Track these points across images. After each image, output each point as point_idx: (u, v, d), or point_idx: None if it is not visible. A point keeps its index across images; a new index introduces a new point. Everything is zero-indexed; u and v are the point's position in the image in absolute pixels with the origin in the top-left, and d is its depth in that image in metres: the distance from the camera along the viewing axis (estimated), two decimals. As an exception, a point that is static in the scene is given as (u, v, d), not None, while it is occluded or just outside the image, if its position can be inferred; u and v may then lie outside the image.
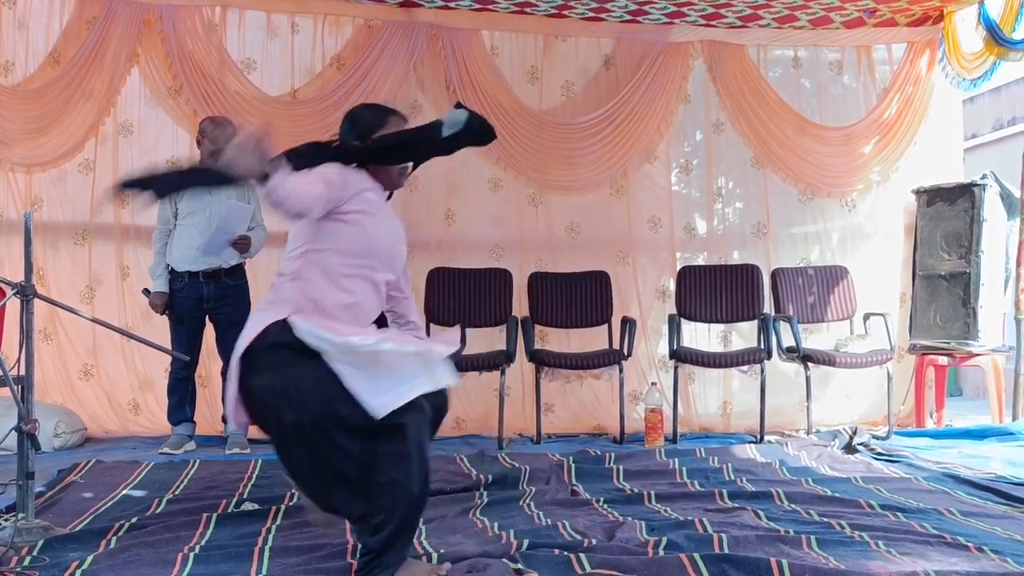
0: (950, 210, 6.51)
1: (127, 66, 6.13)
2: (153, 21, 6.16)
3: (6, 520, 3.54)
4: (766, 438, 5.95)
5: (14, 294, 3.51)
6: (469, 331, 6.35)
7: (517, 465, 4.78)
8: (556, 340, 6.55)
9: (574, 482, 4.38)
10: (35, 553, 3.11)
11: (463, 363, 5.92)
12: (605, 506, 3.85)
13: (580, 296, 6.46)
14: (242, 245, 5.34)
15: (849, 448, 5.42)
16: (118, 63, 6.08)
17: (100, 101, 6.07)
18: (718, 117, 6.91)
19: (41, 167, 6.06)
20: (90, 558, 3.02)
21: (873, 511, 3.74)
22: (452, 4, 6.45)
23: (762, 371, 6.01)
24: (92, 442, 5.76)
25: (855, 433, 5.76)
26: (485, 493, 4.16)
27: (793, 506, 3.83)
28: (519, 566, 2.93)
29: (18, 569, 2.97)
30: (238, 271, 5.56)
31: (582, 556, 2.98)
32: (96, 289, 6.14)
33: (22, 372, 3.49)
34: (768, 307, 6.49)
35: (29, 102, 6.00)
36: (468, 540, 3.33)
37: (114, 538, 3.31)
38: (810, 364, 6.07)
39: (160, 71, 6.13)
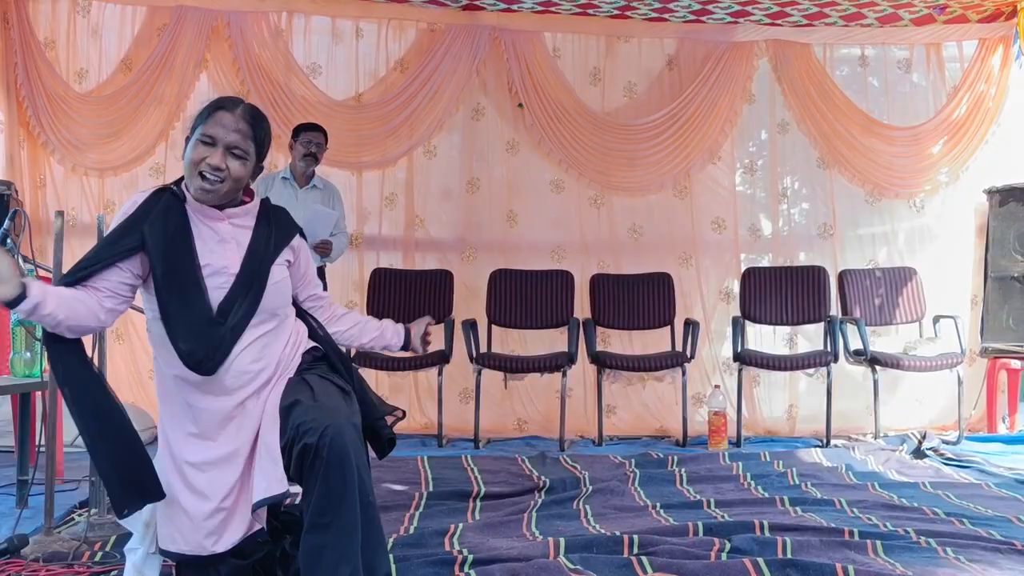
0: (1024, 210, 6.36)
1: (196, 72, 6.26)
2: (221, 27, 6.29)
3: (79, 516, 3.64)
4: (832, 442, 5.87)
5: (87, 295, 3.60)
6: (530, 332, 6.39)
7: (579, 467, 4.79)
8: (618, 342, 6.53)
9: (636, 486, 4.36)
10: (107, 548, 3.19)
11: (525, 364, 5.95)
12: (662, 511, 3.83)
13: (642, 298, 6.42)
14: (323, 249, 5.44)
15: (918, 453, 5.33)
16: (187, 69, 6.21)
17: (170, 106, 6.21)
18: (783, 117, 6.83)
19: (113, 171, 6.24)
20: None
21: (938, 517, 3.67)
22: (514, 6, 6.47)
23: (828, 374, 5.93)
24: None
25: (924, 438, 5.66)
26: (542, 496, 4.17)
27: (859, 511, 3.77)
28: (577, 567, 2.93)
29: (90, 564, 3.05)
30: (318, 273, 5.64)
31: (644, 559, 2.97)
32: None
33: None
34: (835, 309, 6.40)
35: (102, 108, 6.17)
36: (504, 542, 3.33)
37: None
38: (878, 367, 5.96)
39: (228, 76, 6.25)
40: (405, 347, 2.95)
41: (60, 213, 3.44)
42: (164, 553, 2.52)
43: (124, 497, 2.41)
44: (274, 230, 2.59)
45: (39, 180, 6.19)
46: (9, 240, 3.32)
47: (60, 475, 4.27)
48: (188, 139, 2.52)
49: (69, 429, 4.84)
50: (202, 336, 2.41)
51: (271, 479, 2.36)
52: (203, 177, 2.46)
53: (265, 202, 2.67)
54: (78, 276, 2.40)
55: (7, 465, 4.46)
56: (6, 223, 3.33)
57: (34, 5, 6.15)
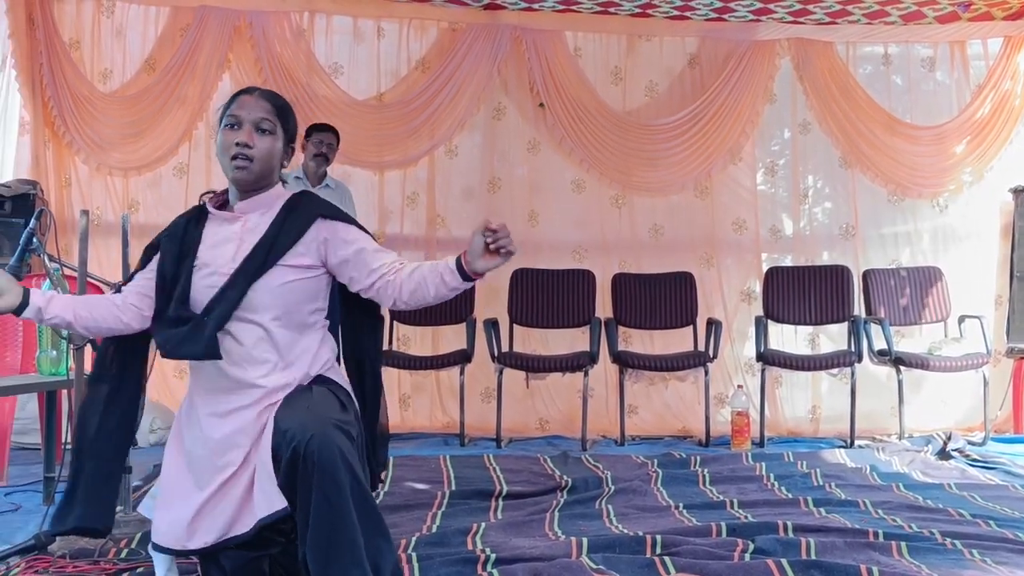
0: (1049, 209, 6.30)
1: (219, 72, 6.29)
2: (243, 28, 6.32)
3: (105, 513, 3.65)
4: (856, 443, 5.83)
5: (112, 294, 3.63)
6: (552, 332, 6.38)
7: (601, 467, 4.78)
8: (639, 342, 6.52)
9: (658, 486, 4.35)
10: (132, 545, 3.21)
11: (547, 364, 5.95)
12: (685, 511, 3.82)
13: (664, 297, 6.41)
14: None
15: (943, 454, 5.29)
16: (210, 69, 6.24)
17: (193, 106, 6.25)
18: (805, 117, 6.79)
19: (137, 171, 6.28)
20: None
21: (964, 518, 3.64)
22: (536, 5, 6.47)
23: (852, 374, 5.89)
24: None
25: (949, 438, 5.62)
26: (565, 495, 4.16)
27: (883, 512, 3.75)
28: (599, 567, 2.92)
29: (115, 560, 3.07)
30: None
31: (667, 560, 2.96)
32: (189, 290, 6.30)
33: (120, 370, 3.60)
34: (858, 309, 6.36)
35: (126, 108, 6.21)
36: (527, 541, 3.32)
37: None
38: (902, 367, 5.92)
39: (250, 76, 6.28)
40: (469, 277, 2.62)
41: (85, 212, 3.47)
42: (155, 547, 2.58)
43: (65, 511, 2.56)
44: (284, 229, 2.54)
45: (64, 180, 6.24)
46: (35, 239, 3.34)
47: (85, 473, 4.29)
48: (217, 135, 2.59)
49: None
50: (173, 328, 2.49)
51: (271, 496, 2.38)
52: (234, 157, 2.51)
53: (293, 198, 2.64)
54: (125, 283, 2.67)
55: (34, 462, 4.49)
56: (32, 222, 3.35)
57: (59, 6, 6.20)
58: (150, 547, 2.62)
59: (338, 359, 2.72)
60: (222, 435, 2.47)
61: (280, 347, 2.52)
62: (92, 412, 2.59)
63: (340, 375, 2.67)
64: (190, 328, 2.46)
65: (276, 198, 2.61)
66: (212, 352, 2.44)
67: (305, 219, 2.57)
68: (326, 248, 2.58)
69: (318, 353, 2.59)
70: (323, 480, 2.28)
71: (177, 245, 2.56)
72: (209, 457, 2.48)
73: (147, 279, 2.60)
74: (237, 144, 2.51)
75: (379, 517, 2.41)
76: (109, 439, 2.59)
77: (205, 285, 2.50)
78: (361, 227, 2.65)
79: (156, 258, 2.60)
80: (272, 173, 2.60)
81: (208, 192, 2.66)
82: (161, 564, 2.68)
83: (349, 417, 2.48)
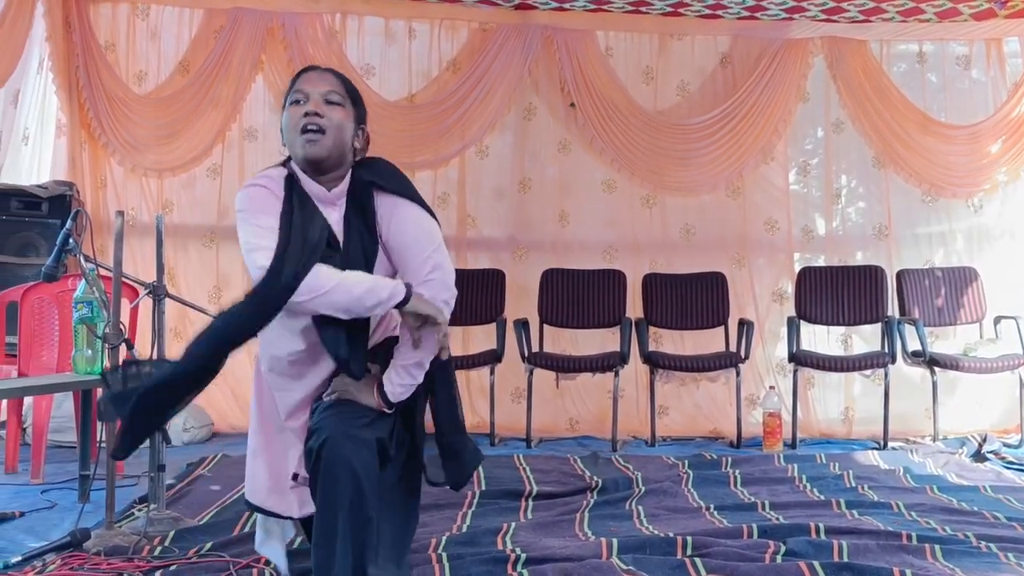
0: (1088, 209, 6.21)
1: (252, 73, 6.34)
2: (276, 29, 6.36)
3: (139, 511, 3.70)
4: (890, 445, 5.78)
5: (147, 294, 3.68)
6: (582, 332, 6.37)
7: (631, 468, 4.77)
8: (670, 342, 6.49)
9: (689, 487, 4.33)
10: (166, 543, 3.24)
11: (577, 364, 5.94)
12: (716, 513, 3.80)
13: (695, 298, 6.38)
14: None
15: (978, 456, 5.24)
16: (243, 71, 6.29)
17: (227, 108, 6.30)
18: (838, 116, 6.74)
19: (172, 172, 6.34)
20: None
21: (999, 521, 3.60)
22: (567, 5, 6.46)
23: (886, 375, 5.84)
24: (219, 437, 5.96)
25: (984, 441, 5.56)
26: (595, 496, 4.16)
27: (917, 515, 3.71)
28: (630, 568, 2.92)
29: (149, 558, 3.10)
30: None
31: (697, 561, 2.95)
32: (223, 289, 6.36)
33: (154, 369, 3.64)
34: (892, 309, 6.30)
35: (160, 109, 6.28)
36: (557, 541, 3.32)
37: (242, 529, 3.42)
38: (936, 368, 5.86)
39: (283, 77, 6.31)
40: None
41: (120, 213, 3.50)
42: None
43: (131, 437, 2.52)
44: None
45: (100, 181, 6.31)
46: (71, 240, 3.39)
47: (120, 471, 4.35)
48: (283, 113, 2.49)
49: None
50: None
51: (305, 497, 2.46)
52: (304, 130, 2.39)
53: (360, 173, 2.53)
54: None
55: (69, 460, 4.54)
56: (68, 223, 3.40)
57: (95, 9, 6.27)
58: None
59: None
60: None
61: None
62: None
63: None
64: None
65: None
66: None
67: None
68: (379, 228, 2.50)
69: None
70: (326, 485, 2.31)
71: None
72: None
73: None
74: (306, 115, 2.39)
75: (370, 539, 2.35)
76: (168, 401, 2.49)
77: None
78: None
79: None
80: (345, 152, 2.47)
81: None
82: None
83: (374, 420, 2.43)
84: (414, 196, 2.55)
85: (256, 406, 2.69)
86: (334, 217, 2.47)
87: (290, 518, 2.67)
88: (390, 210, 2.50)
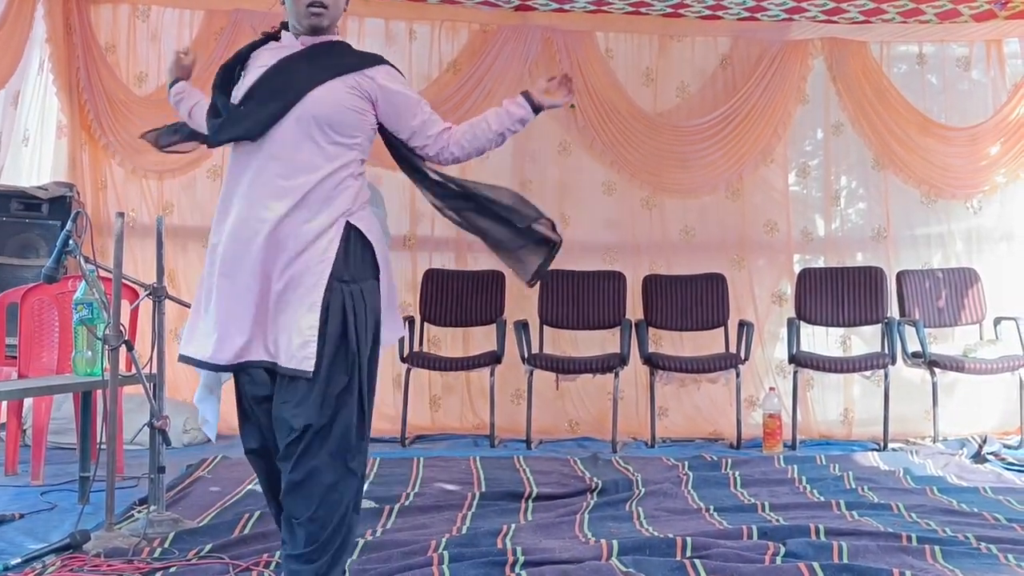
0: (1087, 210, 6.21)
1: (253, 75, 6.33)
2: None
3: (139, 512, 3.71)
4: (890, 446, 5.78)
5: (147, 295, 3.68)
6: (582, 333, 6.37)
7: (631, 469, 4.77)
8: (670, 343, 6.49)
9: (689, 488, 4.34)
10: (166, 545, 3.25)
11: (577, 365, 5.94)
12: (716, 514, 3.81)
13: (695, 299, 6.38)
14: None
15: (978, 457, 5.24)
16: (244, 72, 6.28)
17: (227, 109, 6.28)
18: (838, 117, 6.74)
19: (171, 173, 6.33)
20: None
21: (999, 522, 3.60)
22: (567, 6, 6.46)
23: (886, 376, 5.84)
24: (219, 439, 5.94)
25: (985, 442, 5.57)
26: (595, 497, 4.16)
27: (917, 516, 3.71)
28: (629, 570, 2.92)
29: (149, 559, 3.10)
30: None
31: (697, 563, 2.96)
32: (223, 290, 6.35)
33: (154, 370, 3.65)
34: (892, 311, 6.30)
35: (161, 111, 6.18)
36: (557, 543, 3.32)
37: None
38: (937, 370, 5.86)
39: (284, 79, 6.31)
40: (539, 109, 2.95)
41: (121, 214, 3.51)
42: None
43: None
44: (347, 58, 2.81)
45: (100, 182, 6.31)
46: (72, 241, 3.39)
47: (120, 472, 4.34)
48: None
49: (129, 427, 4.95)
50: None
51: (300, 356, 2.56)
52: (311, 4, 2.76)
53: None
54: None
55: (69, 462, 4.55)
56: (69, 224, 3.40)
57: (95, 10, 6.27)
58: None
59: None
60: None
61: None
62: None
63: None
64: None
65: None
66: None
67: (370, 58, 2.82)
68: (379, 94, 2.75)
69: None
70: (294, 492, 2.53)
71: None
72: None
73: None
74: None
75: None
76: None
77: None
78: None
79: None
80: (336, 21, 2.85)
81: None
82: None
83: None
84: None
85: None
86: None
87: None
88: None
